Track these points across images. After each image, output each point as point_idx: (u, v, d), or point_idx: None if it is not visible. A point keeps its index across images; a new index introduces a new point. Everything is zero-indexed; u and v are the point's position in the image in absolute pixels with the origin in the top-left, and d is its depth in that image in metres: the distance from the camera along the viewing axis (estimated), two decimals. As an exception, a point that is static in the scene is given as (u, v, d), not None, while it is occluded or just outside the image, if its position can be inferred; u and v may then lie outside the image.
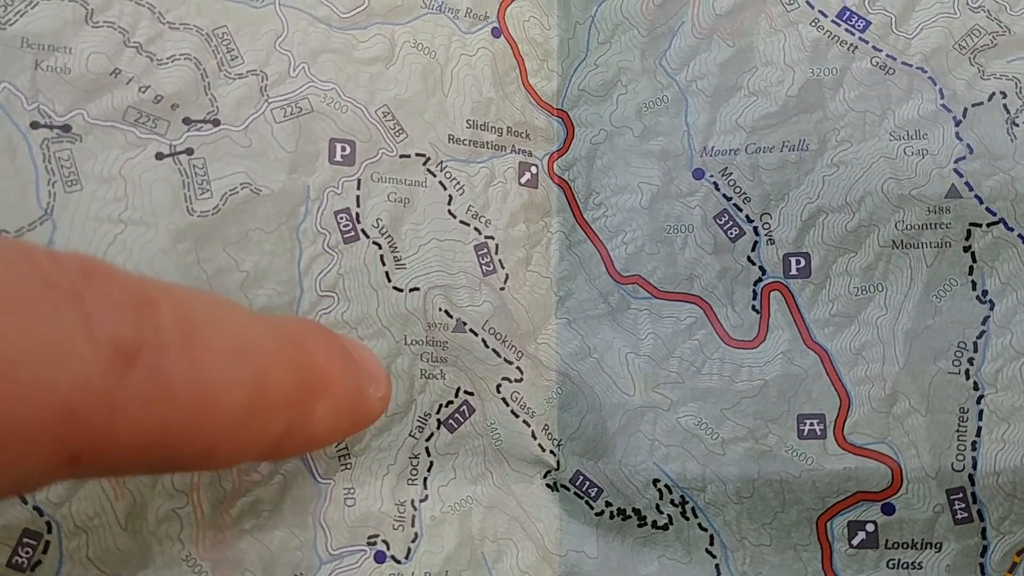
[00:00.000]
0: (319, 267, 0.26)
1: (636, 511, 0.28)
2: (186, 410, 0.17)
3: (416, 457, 0.27)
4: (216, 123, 0.26)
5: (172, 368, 0.17)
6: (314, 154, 0.27)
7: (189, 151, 0.25)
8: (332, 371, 0.21)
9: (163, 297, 0.17)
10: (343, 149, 0.27)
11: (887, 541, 0.27)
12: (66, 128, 0.24)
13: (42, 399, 0.15)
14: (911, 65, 0.28)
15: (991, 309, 0.27)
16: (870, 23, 0.29)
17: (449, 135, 0.29)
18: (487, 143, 0.29)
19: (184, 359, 0.17)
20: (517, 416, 0.28)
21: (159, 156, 0.25)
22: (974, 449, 0.26)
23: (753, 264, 0.28)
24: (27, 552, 0.23)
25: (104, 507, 0.24)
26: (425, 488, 0.27)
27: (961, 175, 0.27)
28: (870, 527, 0.27)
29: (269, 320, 0.21)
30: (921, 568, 0.26)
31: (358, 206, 0.27)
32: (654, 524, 0.28)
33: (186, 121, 0.25)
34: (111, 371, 0.16)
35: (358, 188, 0.27)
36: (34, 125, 0.24)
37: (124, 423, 0.16)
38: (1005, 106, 0.27)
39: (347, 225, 0.27)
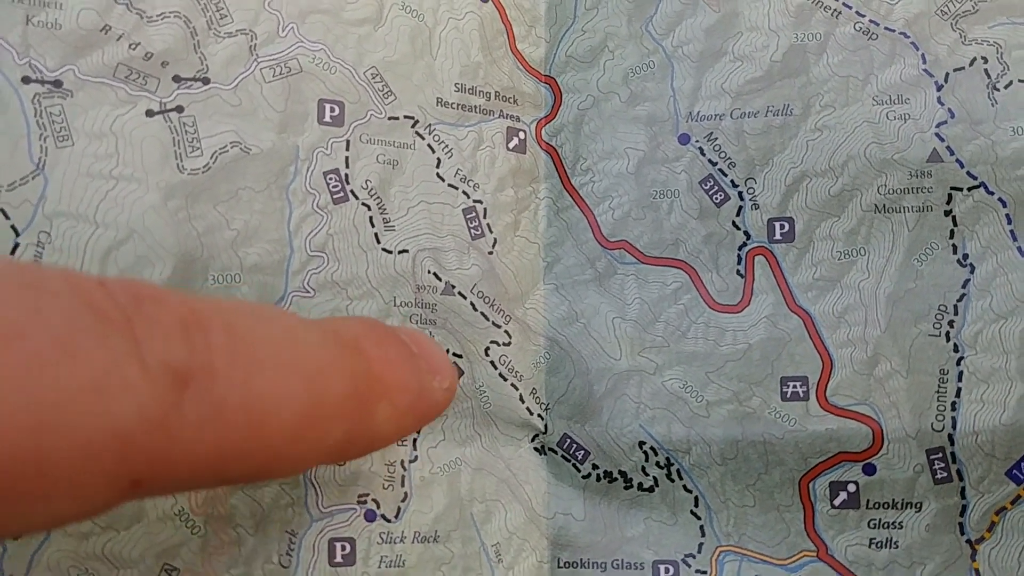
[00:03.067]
0: (309, 227, 0.26)
1: (622, 473, 0.28)
2: (240, 429, 0.17)
3: (405, 418, 0.27)
4: (206, 81, 0.26)
5: (224, 389, 0.17)
6: (303, 114, 0.27)
7: (179, 109, 0.25)
8: (391, 372, 0.21)
9: (213, 316, 0.17)
10: (332, 110, 0.27)
11: (868, 501, 0.27)
12: (57, 83, 0.24)
13: (98, 431, 0.15)
14: (894, 30, 0.29)
15: (971, 272, 0.27)
16: (853, -11, 0.29)
17: (437, 98, 0.29)
18: (475, 107, 0.29)
19: (236, 379, 0.17)
20: (505, 380, 0.29)
21: (149, 113, 0.25)
22: (954, 410, 0.27)
23: (738, 229, 0.29)
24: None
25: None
26: (415, 449, 0.27)
27: (943, 139, 0.28)
28: (851, 487, 0.27)
29: (323, 326, 0.21)
30: (902, 528, 0.27)
31: (347, 167, 0.27)
32: (640, 486, 0.28)
33: (176, 79, 0.25)
34: (165, 397, 0.16)
35: (347, 149, 0.27)
36: (25, 80, 0.24)
37: (180, 446, 0.16)
38: (986, 71, 0.28)
39: (336, 186, 0.27)
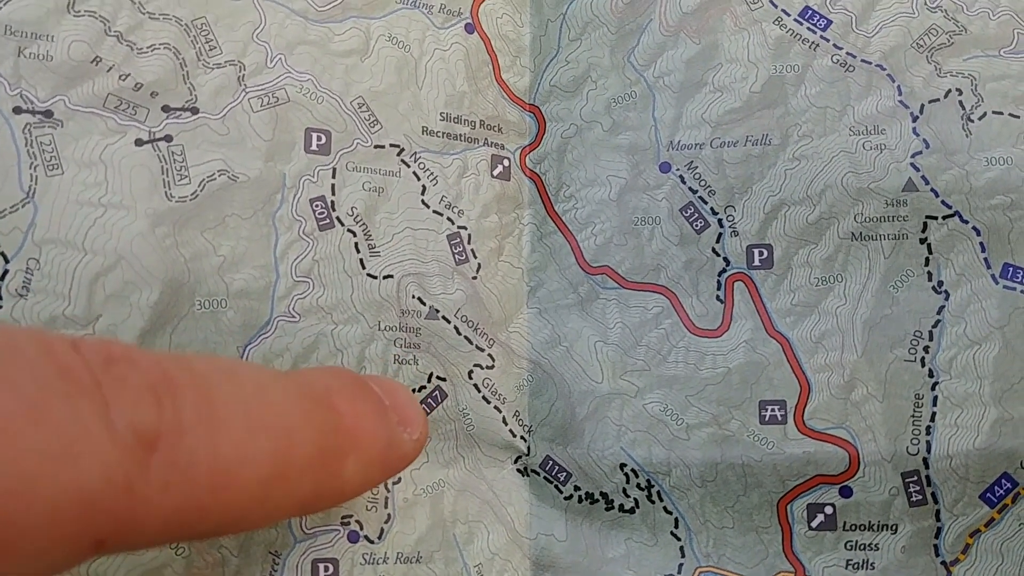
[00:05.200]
0: (295, 253, 0.27)
1: (604, 495, 0.29)
2: (207, 490, 0.17)
3: (389, 440, 0.28)
4: (194, 111, 0.26)
5: (192, 451, 0.17)
6: (290, 143, 0.27)
7: (168, 138, 0.26)
8: (361, 426, 0.21)
9: (184, 377, 0.17)
10: (319, 139, 0.28)
11: (845, 523, 0.27)
12: (48, 113, 0.25)
13: (63, 496, 0.15)
14: (870, 63, 0.29)
15: (946, 299, 0.28)
16: (831, 22, 0.30)
17: (423, 127, 0.29)
18: (460, 136, 0.30)
19: (204, 440, 0.17)
20: (488, 402, 0.29)
21: (138, 142, 0.26)
22: (928, 434, 0.27)
23: (718, 255, 0.29)
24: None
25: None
26: (398, 471, 0.28)
27: (918, 169, 0.28)
28: (828, 509, 0.27)
29: (294, 381, 0.21)
30: (877, 549, 0.27)
31: (333, 194, 0.28)
32: (621, 508, 0.29)
33: (165, 109, 0.26)
34: (130, 460, 0.16)
35: (333, 177, 0.28)
36: (16, 110, 0.24)
37: (145, 508, 0.16)
38: (961, 103, 0.28)
39: (322, 213, 0.27)
